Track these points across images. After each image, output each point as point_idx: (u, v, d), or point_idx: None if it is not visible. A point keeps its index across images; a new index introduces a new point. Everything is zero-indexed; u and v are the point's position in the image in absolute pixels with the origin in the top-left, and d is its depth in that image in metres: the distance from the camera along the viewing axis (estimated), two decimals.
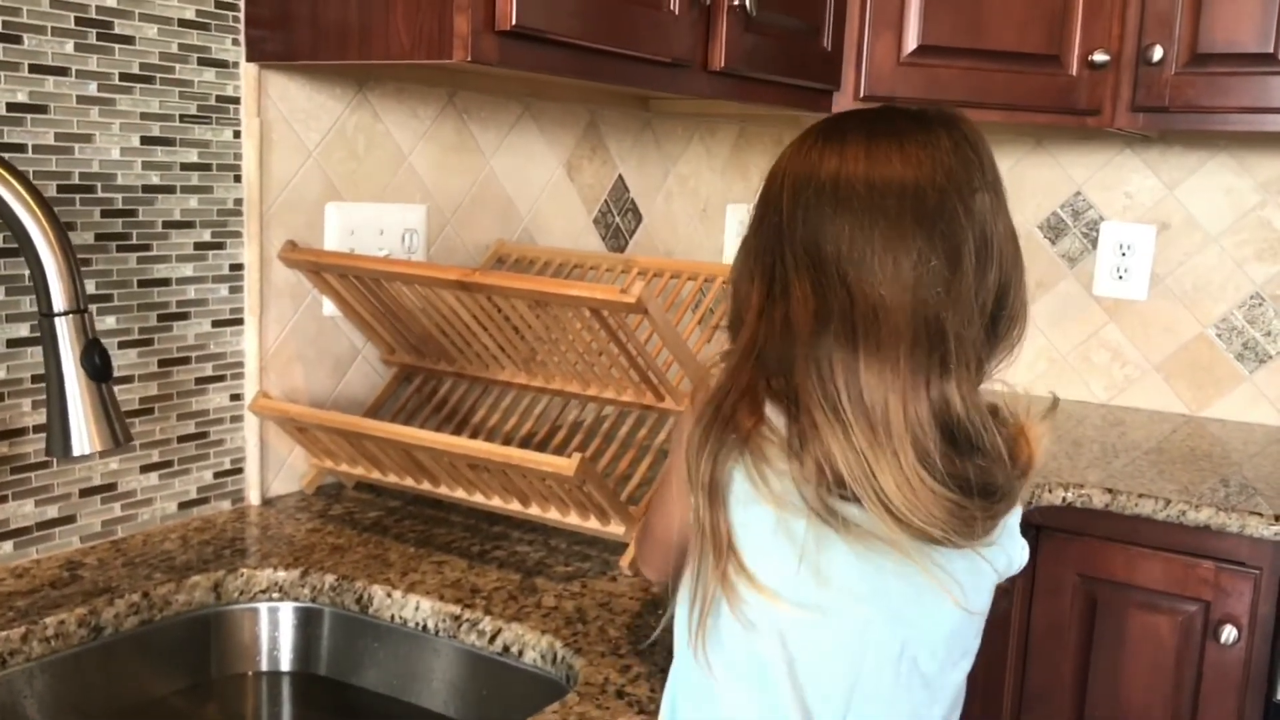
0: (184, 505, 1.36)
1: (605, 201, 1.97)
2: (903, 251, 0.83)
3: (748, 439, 0.85)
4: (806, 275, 0.85)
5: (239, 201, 1.38)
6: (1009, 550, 0.92)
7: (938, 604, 0.87)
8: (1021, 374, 2.34)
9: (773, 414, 0.86)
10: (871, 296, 0.83)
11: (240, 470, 1.42)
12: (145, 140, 1.27)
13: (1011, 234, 0.90)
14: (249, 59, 1.35)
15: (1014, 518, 0.91)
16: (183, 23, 1.29)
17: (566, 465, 1.17)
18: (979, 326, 0.86)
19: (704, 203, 2.23)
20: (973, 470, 0.83)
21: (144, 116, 1.27)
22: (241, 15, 1.34)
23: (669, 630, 0.95)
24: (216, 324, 1.37)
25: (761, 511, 0.85)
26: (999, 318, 0.89)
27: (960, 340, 0.84)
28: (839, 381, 0.82)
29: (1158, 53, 1.84)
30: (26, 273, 1.06)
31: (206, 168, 1.34)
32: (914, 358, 0.82)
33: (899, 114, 0.91)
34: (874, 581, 0.85)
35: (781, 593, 0.85)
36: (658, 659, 1.05)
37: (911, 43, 1.84)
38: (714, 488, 0.85)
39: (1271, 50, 1.78)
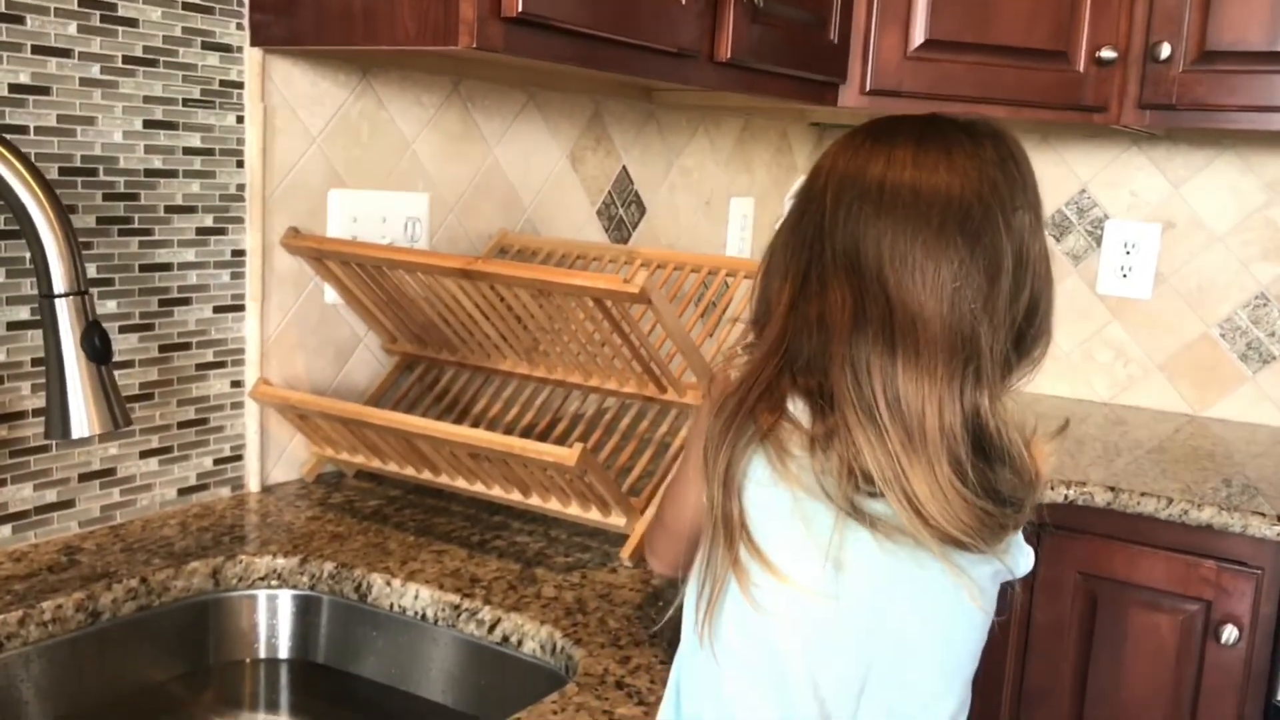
0: (183, 491, 1.36)
1: (609, 193, 1.97)
2: (944, 262, 0.84)
3: (767, 434, 0.85)
4: (845, 277, 0.85)
5: (241, 187, 1.37)
6: (1016, 556, 0.93)
7: (956, 598, 0.87)
8: None
9: (795, 409, 0.86)
10: (911, 304, 0.83)
11: (240, 457, 1.41)
12: (148, 124, 1.27)
13: (1045, 255, 0.91)
14: (253, 43, 1.35)
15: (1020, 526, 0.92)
16: (186, 6, 1.28)
17: (567, 455, 1.16)
18: (1008, 342, 0.87)
19: (708, 195, 2.22)
20: (1002, 482, 0.84)
21: (147, 100, 1.26)
22: None
23: (672, 620, 0.95)
24: (218, 310, 1.37)
25: (780, 493, 0.85)
26: (1026, 335, 0.90)
27: (993, 356, 0.85)
28: (875, 385, 0.82)
29: (1165, 50, 1.84)
30: (27, 255, 1.05)
31: (209, 152, 1.33)
32: (949, 369, 0.83)
33: (948, 123, 0.91)
34: (894, 572, 0.85)
35: (796, 576, 0.85)
36: (657, 650, 1.05)
37: (919, 37, 1.83)
38: (730, 480, 0.85)
39: None
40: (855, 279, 0.85)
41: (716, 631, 0.88)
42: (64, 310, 0.93)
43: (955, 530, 0.81)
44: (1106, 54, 1.86)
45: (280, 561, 1.22)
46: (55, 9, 1.17)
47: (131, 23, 1.23)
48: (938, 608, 0.87)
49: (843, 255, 0.86)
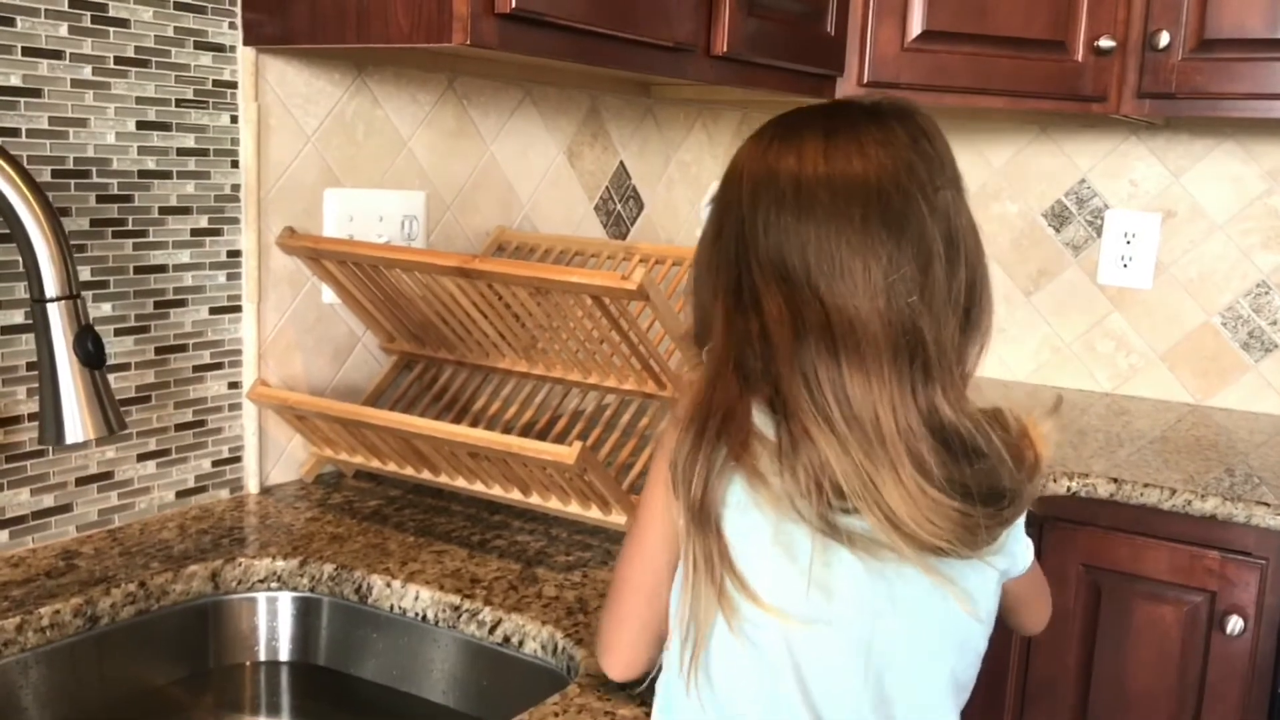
0: (182, 494, 1.35)
1: (606, 188, 1.96)
2: (873, 259, 0.81)
3: (740, 455, 0.82)
4: (776, 288, 0.83)
5: (236, 187, 1.36)
6: (1013, 551, 0.91)
7: (947, 608, 0.86)
8: (1025, 363, 2.33)
9: (761, 422, 0.84)
10: (846, 308, 0.81)
11: (239, 459, 1.41)
12: (141, 125, 1.26)
13: (973, 227, 0.88)
14: (246, 43, 1.34)
15: (1019, 517, 0.90)
16: (178, 6, 1.27)
17: (567, 454, 1.15)
18: (954, 326, 0.84)
19: (706, 190, 2.21)
20: (972, 475, 0.81)
21: (140, 101, 1.25)
22: None
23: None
24: (214, 311, 1.36)
25: (760, 519, 0.83)
26: (970, 312, 0.87)
27: (939, 345, 0.82)
28: (827, 392, 0.81)
29: (1164, 38, 1.82)
30: (20, 259, 1.04)
31: (204, 153, 1.32)
32: (896, 367, 0.81)
33: (854, 109, 0.88)
34: (880, 589, 0.83)
35: (786, 608, 0.83)
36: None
37: (916, 28, 1.82)
38: (706, 507, 0.83)
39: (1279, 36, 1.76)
40: (786, 288, 0.83)
41: (706, 675, 0.85)
42: (56, 315, 0.92)
43: (930, 536, 0.79)
44: (1105, 43, 1.85)
45: (280, 564, 1.22)
46: (46, 10, 1.16)
47: (123, 23, 1.23)
48: (929, 621, 0.86)
49: (770, 266, 0.83)
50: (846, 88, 1.83)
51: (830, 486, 0.80)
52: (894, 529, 0.79)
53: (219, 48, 1.32)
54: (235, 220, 1.37)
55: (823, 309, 0.81)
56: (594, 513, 1.26)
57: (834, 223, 0.82)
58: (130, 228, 1.26)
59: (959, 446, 0.82)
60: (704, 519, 0.83)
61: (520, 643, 1.10)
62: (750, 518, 0.83)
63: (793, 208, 0.83)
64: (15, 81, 1.15)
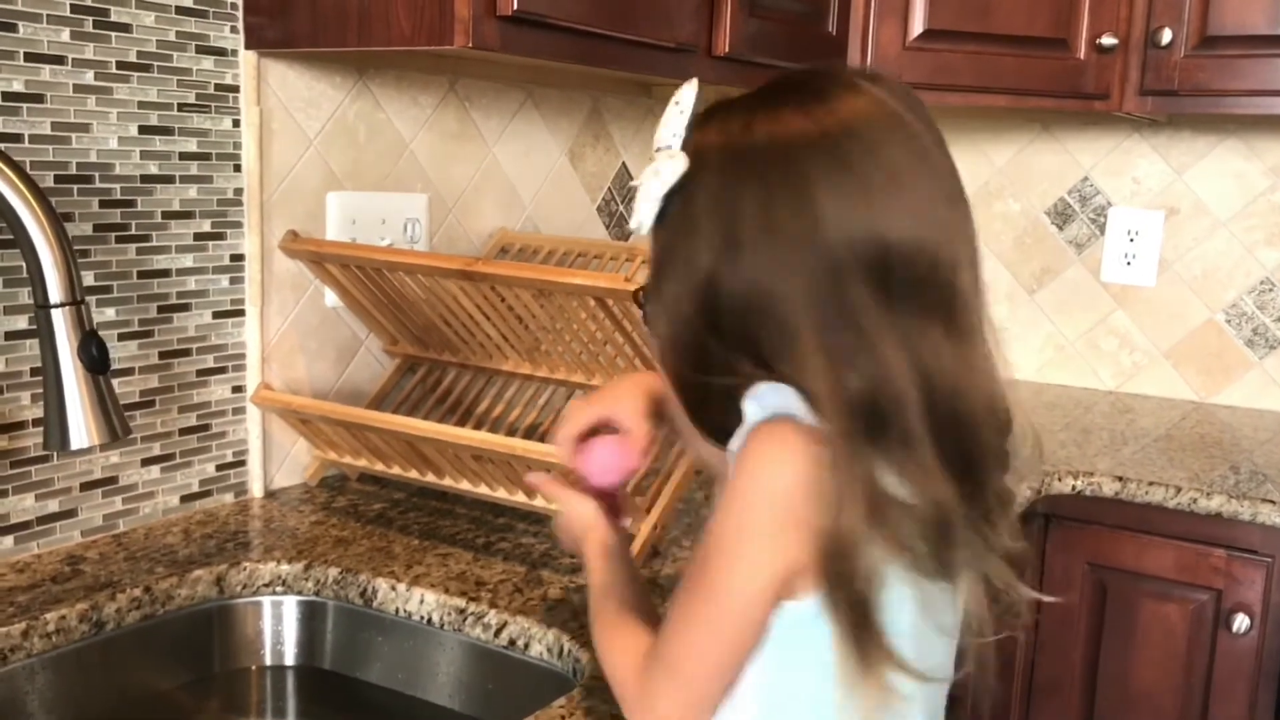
0: (186, 498, 1.35)
1: (609, 189, 1.96)
2: (963, 223, 0.73)
3: (879, 524, 0.70)
4: (869, 289, 0.69)
5: (239, 191, 1.36)
6: None
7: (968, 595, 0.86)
8: (1029, 361, 2.33)
9: (887, 477, 0.71)
10: (957, 300, 0.72)
11: (243, 463, 1.41)
12: (143, 129, 1.26)
13: None
14: (248, 46, 1.34)
15: None
16: (180, 10, 1.27)
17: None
18: None
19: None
20: (1015, 470, 0.79)
21: (142, 105, 1.25)
22: (240, 2, 1.32)
23: None
24: (217, 315, 1.36)
25: (907, 591, 0.74)
26: None
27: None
28: (941, 411, 0.71)
29: (1166, 35, 1.82)
30: (24, 265, 1.04)
31: (206, 157, 1.32)
32: (982, 352, 0.74)
33: (826, 71, 0.79)
34: (958, 606, 0.81)
35: (934, 671, 0.77)
36: None
37: (917, 27, 1.82)
38: (861, 597, 0.71)
39: None
40: (887, 287, 0.70)
41: None
42: (60, 320, 0.92)
43: (1009, 540, 0.77)
44: (1107, 41, 1.84)
45: (285, 567, 1.22)
46: (48, 16, 1.16)
47: (125, 28, 1.23)
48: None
49: (853, 258, 0.70)
50: None
51: (950, 524, 0.72)
52: (990, 549, 0.76)
53: (221, 52, 1.32)
54: (238, 224, 1.37)
55: (934, 309, 0.70)
56: None
57: (927, 181, 0.72)
58: (133, 232, 1.26)
59: (1008, 439, 0.78)
60: (859, 608, 0.71)
61: (526, 645, 1.10)
62: (899, 592, 0.73)
63: (882, 179, 0.70)
64: (18, 87, 1.15)
